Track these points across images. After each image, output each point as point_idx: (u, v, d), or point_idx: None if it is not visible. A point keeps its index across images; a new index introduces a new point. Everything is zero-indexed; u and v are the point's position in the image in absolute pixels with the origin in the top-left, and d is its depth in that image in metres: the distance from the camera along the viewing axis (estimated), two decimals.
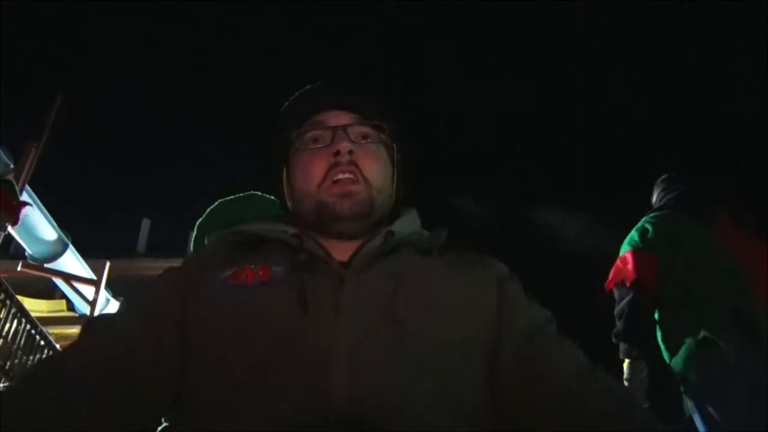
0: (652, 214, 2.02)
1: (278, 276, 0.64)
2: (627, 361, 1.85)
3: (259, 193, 1.43)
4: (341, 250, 0.68)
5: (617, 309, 1.84)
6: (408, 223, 0.75)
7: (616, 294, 1.87)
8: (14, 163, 7.42)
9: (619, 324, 1.82)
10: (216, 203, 1.46)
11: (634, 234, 1.95)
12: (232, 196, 1.47)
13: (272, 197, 1.17)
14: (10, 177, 2.54)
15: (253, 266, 0.66)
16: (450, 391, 0.57)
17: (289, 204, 0.79)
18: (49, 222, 8.31)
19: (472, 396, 0.59)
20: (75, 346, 0.61)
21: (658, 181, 2.22)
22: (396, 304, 0.60)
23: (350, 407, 0.52)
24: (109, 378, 0.56)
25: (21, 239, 8.19)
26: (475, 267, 0.71)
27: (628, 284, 1.81)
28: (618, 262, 1.91)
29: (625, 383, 1.86)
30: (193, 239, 1.44)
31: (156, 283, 0.70)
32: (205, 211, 1.46)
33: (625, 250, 1.91)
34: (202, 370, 0.59)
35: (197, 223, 1.44)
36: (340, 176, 0.70)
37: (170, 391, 0.60)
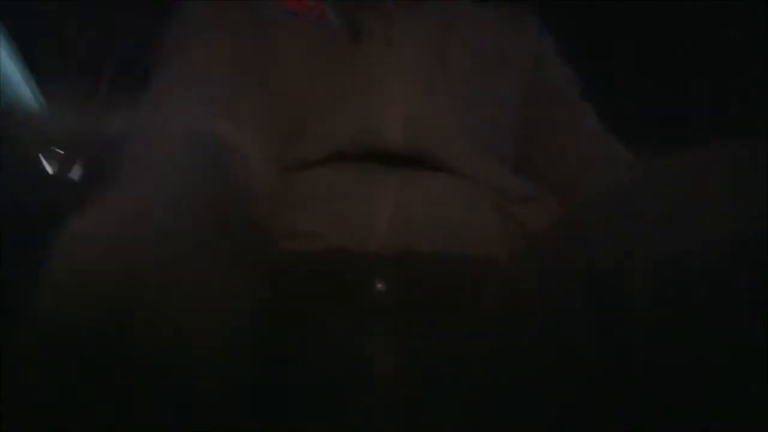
0: None
1: (326, 6, 0.62)
2: None
3: None
4: None
5: None
6: None
7: None
8: None
9: None
10: None
11: None
12: None
13: None
14: None
15: None
16: (492, 132, 0.60)
17: None
18: None
19: (510, 140, 0.63)
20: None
21: None
22: (445, 45, 0.61)
23: (404, 137, 0.54)
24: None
25: None
26: (519, 17, 0.71)
27: None
28: None
29: None
30: None
31: (200, 29, 0.59)
32: None
33: None
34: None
35: None
36: None
37: None
